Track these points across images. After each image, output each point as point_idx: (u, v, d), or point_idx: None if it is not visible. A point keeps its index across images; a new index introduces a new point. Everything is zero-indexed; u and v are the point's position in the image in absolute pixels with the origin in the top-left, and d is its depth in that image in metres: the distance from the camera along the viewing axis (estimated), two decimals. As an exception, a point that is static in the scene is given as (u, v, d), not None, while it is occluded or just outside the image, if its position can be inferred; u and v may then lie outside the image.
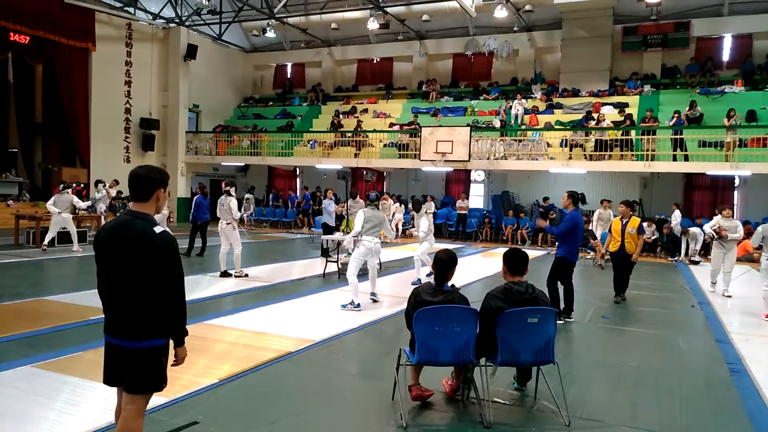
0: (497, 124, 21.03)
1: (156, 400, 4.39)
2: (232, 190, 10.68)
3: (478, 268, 12.58)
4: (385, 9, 22.33)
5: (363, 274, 8.80)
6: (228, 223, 10.44)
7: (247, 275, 10.59)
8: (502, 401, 4.76)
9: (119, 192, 19.08)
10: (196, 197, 13.56)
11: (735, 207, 19.88)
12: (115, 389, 3.23)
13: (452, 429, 4.30)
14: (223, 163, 25.04)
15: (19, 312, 7.35)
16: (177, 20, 23.64)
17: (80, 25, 20.68)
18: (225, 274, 10.52)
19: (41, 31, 19.39)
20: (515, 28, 23.42)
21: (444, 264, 4.57)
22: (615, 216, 10.64)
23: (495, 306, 4.37)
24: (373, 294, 8.75)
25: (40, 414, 4.16)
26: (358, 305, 8.07)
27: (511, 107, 21.20)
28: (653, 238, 16.34)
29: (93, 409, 4.29)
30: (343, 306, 8.11)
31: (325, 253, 12.52)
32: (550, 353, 4.42)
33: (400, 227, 20.29)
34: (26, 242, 14.28)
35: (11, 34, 18.66)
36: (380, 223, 8.55)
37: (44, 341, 6.04)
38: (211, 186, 24.77)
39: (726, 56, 21.88)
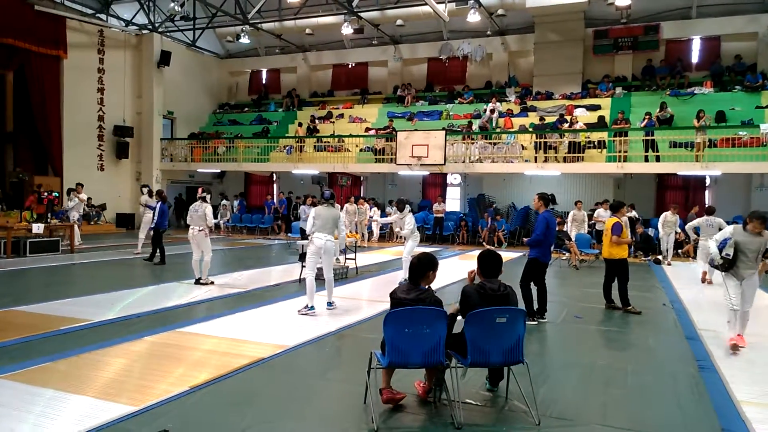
0: (476, 127, 21.17)
1: (125, 409, 4.37)
2: (208, 197, 10.64)
3: (456, 270, 12.67)
4: (359, 14, 22.39)
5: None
6: (201, 230, 10.34)
7: (212, 283, 10.45)
8: (473, 402, 4.79)
9: (89, 198, 18.84)
10: (159, 205, 13.36)
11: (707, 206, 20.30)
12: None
13: (423, 431, 4.31)
14: (198, 170, 24.87)
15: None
16: (150, 27, 23.44)
17: (51, 32, 20.40)
18: (200, 282, 10.45)
19: (11, 38, 19.08)
20: (488, 33, 23.63)
21: (415, 266, 4.65)
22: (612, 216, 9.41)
23: (472, 304, 4.48)
24: (329, 303, 8.46)
25: (7, 425, 4.08)
26: (312, 308, 7.97)
27: (492, 117, 21.32)
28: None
29: (68, 420, 4.21)
30: (299, 311, 8.00)
31: (302, 258, 12.44)
32: (520, 353, 4.47)
33: (377, 231, 20.35)
34: (-4, 253, 14.06)
35: (-21, 42, 18.38)
36: (333, 220, 8.28)
37: (11, 352, 5.92)
38: (188, 193, 24.72)
39: (695, 58, 22.28)
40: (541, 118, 20.42)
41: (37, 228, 14.52)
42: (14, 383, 4.93)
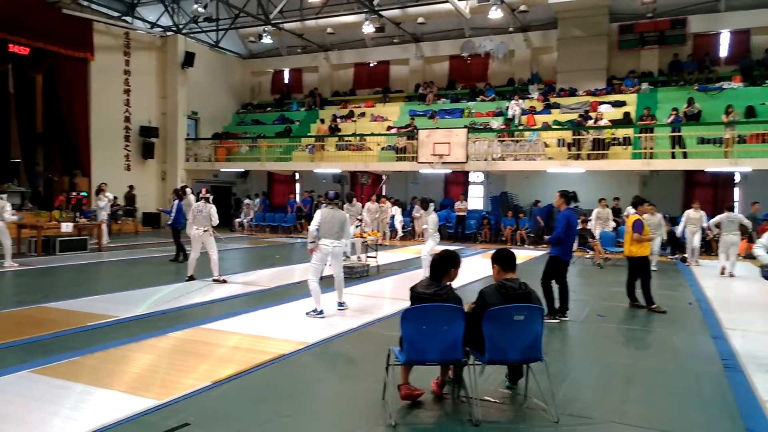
0: (494, 124, 21.03)
1: (148, 402, 4.47)
2: (211, 198, 10.74)
3: (478, 269, 12.64)
4: (380, 12, 22.40)
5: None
6: (206, 230, 10.41)
7: (225, 281, 10.53)
8: (492, 399, 4.80)
9: (116, 197, 19.17)
10: (176, 202, 13.51)
11: (736, 204, 19.87)
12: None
13: (440, 427, 4.34)
14: (222, 170, 25.15)
15: (20, 319, 7.40)
16: (174, 28, 23.78)
17: (79, 35, 20.82)
18: (191, 279, 10.57)
19: (40, 42, 19.52)
20: (511, 29, 23.49)
21: (437, 263, 4.68)
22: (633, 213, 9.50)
23: (490, 303, 4.40)
24: (340, 304, 8.25)
25: (41, 418, 4.20)
26: (321, 312, 7.71)
27: (513, 118, 21.20)
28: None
29: (97, 413, 4.31)
30: (307, 313, 7.79)
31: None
32: (538, 351, 4.46)
33: (400, 229, 20.38)
34: (28, 251, 14.41)
35: (11, 45, 18.78)
36: (340, 223, 7.91)
37: (42, 347, 6.08)
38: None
39: (724, 52, 21.84)
40: (580, 115, 20.14)
41: (66, 227, 14.85)
42: (46, 377, 5.08)
